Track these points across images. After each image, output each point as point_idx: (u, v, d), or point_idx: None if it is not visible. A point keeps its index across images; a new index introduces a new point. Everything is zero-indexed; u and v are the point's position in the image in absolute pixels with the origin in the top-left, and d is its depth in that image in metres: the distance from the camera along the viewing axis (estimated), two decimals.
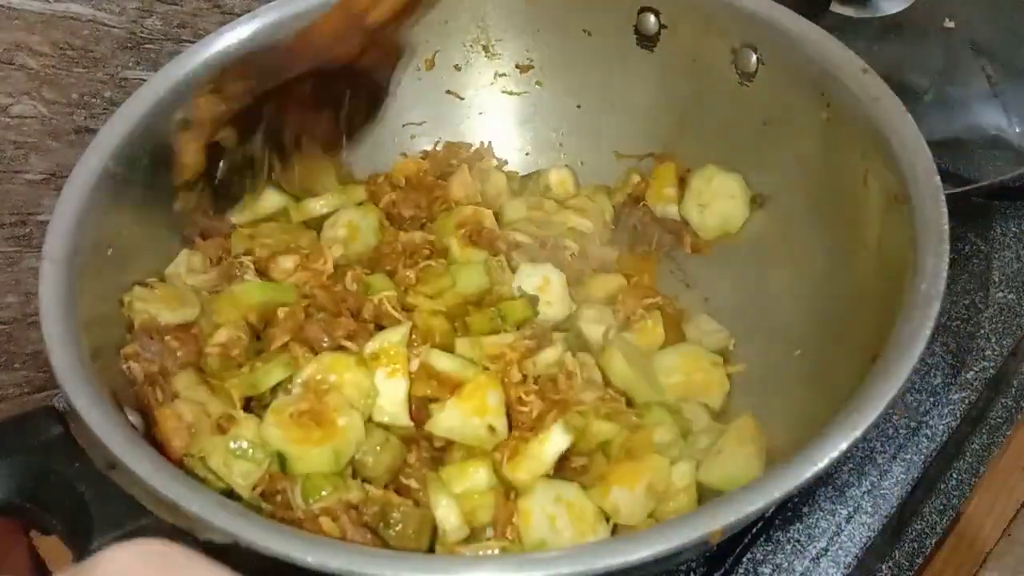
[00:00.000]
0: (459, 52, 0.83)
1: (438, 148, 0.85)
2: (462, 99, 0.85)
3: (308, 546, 0.46)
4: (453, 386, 0.63)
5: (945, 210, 0.56)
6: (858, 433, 0.48)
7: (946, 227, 0.55)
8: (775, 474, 0.47)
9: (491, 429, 0.62)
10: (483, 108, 0.85)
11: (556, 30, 0.80)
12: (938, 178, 0.57)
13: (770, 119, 0.71)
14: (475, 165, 0.83)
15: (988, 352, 0.77)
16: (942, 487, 0.71)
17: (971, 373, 0.76)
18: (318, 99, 0.73)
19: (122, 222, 0.67)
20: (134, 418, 0.57)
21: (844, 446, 0.47)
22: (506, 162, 0.86)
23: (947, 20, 0.86)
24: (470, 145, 0.85)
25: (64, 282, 0.59)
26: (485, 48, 0.83)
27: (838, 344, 0.62)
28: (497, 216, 0.78)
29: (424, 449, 0.63)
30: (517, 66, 0.83)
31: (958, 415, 0.74)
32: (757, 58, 0.70)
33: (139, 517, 0.48)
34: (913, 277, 0.54)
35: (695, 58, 0.74)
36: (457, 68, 0.84)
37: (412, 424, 0.63)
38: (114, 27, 0.77)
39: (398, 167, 0.83)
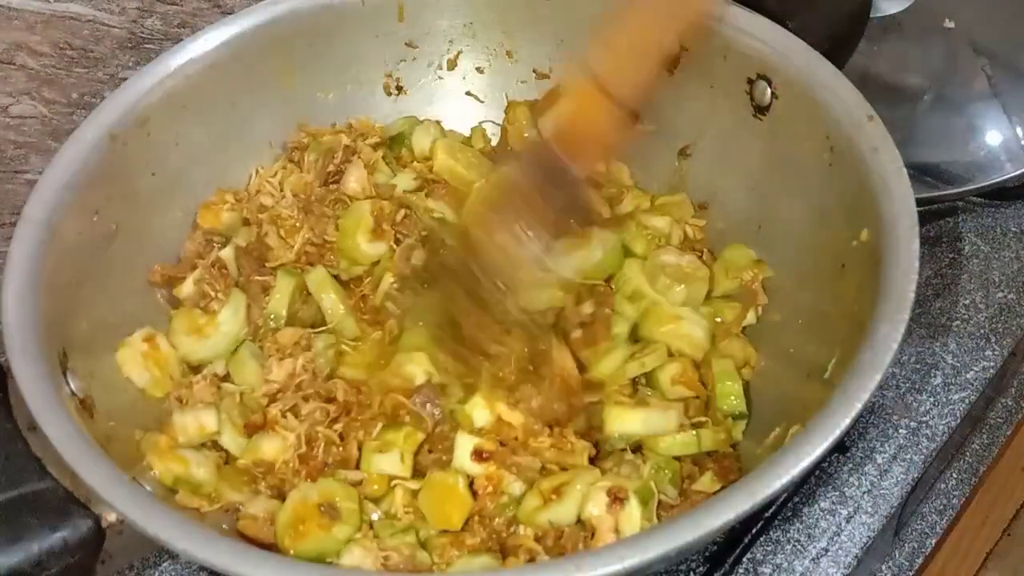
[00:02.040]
0: (483, 55, 0.83)
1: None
2: (482, 102, 0.85)
3: (187, 537, 0.46)
4: None
5: (914, 278, 0.53)
6: (767, 492, 0.46)
7: (911, 295, 0.53)
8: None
9: None
10: (503, 112, 0.84)
11: (580, 42, 0.79)
12: (916, 245, 0.55)
13: (778, 155, 0.70)
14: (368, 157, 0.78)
15: (988, 352, 0.77)
16: (942, 487, 0.71)
17: (971, 373, 0.76)
18: None
19: (112, 193, 0.66)
20: (76, 384, 0.56)
21: (747, 505, 0.46)
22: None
23: (947, 20, 0.86)
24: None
25: (35, 241, 0.59)
26: (509, 54, 0.82)
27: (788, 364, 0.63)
28: None
29: None
30: (534, 71, 0.82)
31: (958, 415, 0.74)
32: (771, 92, 0.68)
33: (39, 480, 0.48)
34: (863, 344, 0.52)
35: (712, 84, 0.73)
36: (480, 71, 0.83)
37: None
38: (114, 27, 0.77)
39: (287, 180, 0.77)
